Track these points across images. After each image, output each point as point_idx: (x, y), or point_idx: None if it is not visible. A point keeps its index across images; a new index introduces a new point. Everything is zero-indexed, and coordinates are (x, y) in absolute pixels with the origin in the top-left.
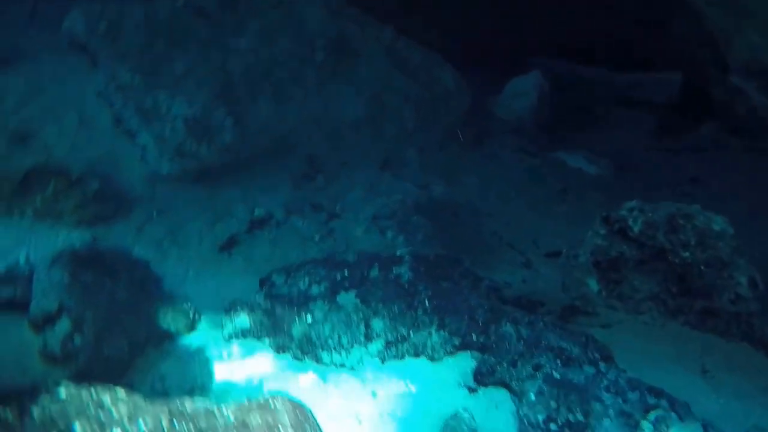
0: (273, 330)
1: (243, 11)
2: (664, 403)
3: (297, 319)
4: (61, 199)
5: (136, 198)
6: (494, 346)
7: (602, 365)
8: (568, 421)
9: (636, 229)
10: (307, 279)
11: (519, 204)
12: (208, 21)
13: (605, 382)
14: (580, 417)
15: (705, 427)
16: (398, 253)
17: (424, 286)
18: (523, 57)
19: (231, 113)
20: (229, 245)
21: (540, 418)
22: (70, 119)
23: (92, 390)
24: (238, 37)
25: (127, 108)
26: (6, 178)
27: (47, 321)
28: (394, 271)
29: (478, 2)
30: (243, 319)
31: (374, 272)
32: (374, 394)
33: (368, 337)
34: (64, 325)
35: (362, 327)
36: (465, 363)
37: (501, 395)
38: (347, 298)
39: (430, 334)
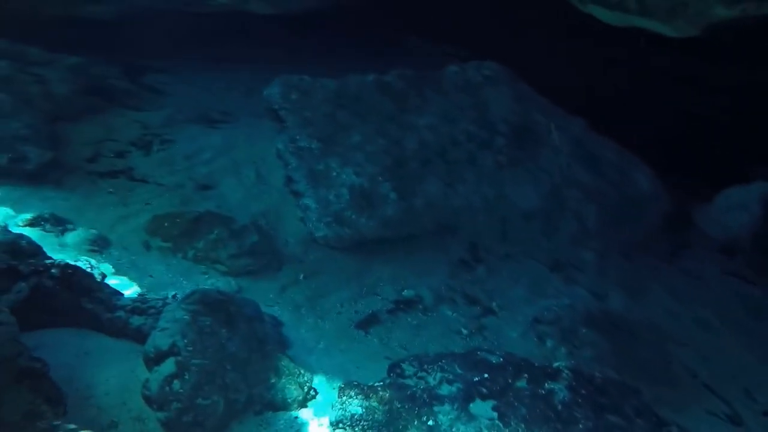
0: (386, 426)
1: (428, 91)
2: None
3: (416, 419)
4: (220, 246)
5: (289, 257)
6: None
7: None
8: None
9: None
10: (439, 375)
11: (727, 338)
12: (393, 97)
13: None
14: None
15: None
16: (555, 365)
17: (583, 414)
18: (742, 164)
19: (397, 188)
20: (367, 323)
21: None
22: (249, 174)
23: None
24: (418, 115)
25: (299, 170)
26: (181, 218)
27: (157, 359)
28: (546, 387)
29: (688, 99)
30: (356, 406)
31: (521, 383)
32: None
33: None
34: (168, 366)
35: None
36: None
37: None
38: (482, 408)
39: None
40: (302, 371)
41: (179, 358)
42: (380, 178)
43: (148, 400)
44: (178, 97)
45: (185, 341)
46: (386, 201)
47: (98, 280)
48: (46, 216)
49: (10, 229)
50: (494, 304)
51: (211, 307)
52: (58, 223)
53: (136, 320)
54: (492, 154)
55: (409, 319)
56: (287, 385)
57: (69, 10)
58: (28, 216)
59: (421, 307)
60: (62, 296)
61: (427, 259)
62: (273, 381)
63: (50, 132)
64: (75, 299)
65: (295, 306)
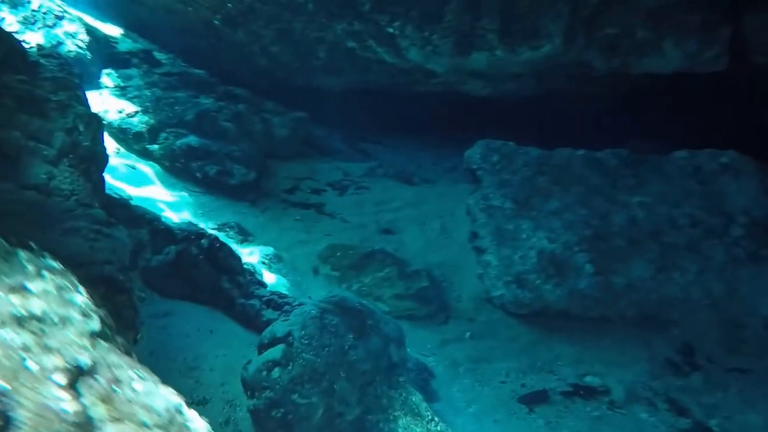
0: None
1: (645, 172)
2: None
3: None
4: (387, 285)
5: (458, 312)
6: None
7: None
8: None
9: None
10: None
11: None
12: (603, 172)
13: None
14: None
15: None
16: None
17: None
18: None
19: (595, 261)
20: (534, 400)
21: None
22: (433, 226)
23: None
24: (631, 193)
25: (486, 226)
26: (355, 250)
27: (269, 345)
28: None
29: None
30: None
31: None
32: None
33: None
34: (275, 352)
35: None
36: None
37: None
38: None
39: None
40: (437, 420)
41: (290, 347)
42: (576, 248)
43: (243, 383)
44: (383, 159)
45: (303, 332)
46: (580, 273)
47: (242, 263)
48: (232, 224)
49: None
50: (713, 422)
51: (346, 311)
52: (241, 233)
53: (269, 314)
54: (724, 245)
55: (588, 409)
56: (412, 425)
57: (309, 80)
58: (218, 221)
59: (607, 400)
60: (203, 269)
61: (621, 349)
62: (396, 414)
63: (260, 162)
64: (215, 276)
65: (453, 363)
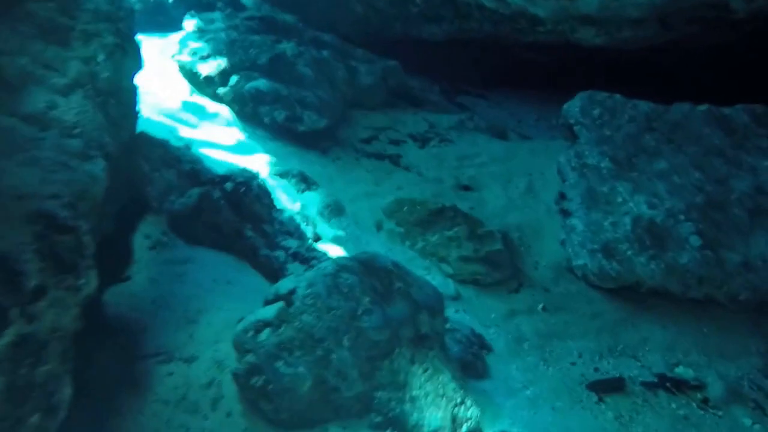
0: None
1: None
2: None
3: None
4: (454, 245)
5: (532, 281)
6: None
7: None
8: None
9: None
10: None
11: None
12: (728, 131)
13: None
14: None
15: None
16: None
17: None
18: None
19: (704, 233)
20: (607, 388)
21: None
22: (518, 184)
23: None
24: (764, 156)
25: (576, 187)
26: (423, 206)
27: (270, 303)
28: None
29: None
30: None
31: None
32: None
33: None
34: (269, 311)
35: None
36: None
37: None
38: None
39: None
40: (468, 402)
41: (288, 306)
42: (682, 217)
43: (234, 344)
44: (477, 113)
45: (308, 291)
46: (683, 246)
47: (271, 210)
48: (295, 172)
49: (258, 176)
50: None
51: (370, 270)
52: (304, 181)
53: (294, 267)
54: None
55: (673, 406)
56: (432, 408)
57: (407, 29)
58: (281, 168)
59: (700, 397)
60: (226, 215)
61: (727, 337)
62: (414, 393)
63: (338, 109)
64: (238, 223)
65: (518, 337)
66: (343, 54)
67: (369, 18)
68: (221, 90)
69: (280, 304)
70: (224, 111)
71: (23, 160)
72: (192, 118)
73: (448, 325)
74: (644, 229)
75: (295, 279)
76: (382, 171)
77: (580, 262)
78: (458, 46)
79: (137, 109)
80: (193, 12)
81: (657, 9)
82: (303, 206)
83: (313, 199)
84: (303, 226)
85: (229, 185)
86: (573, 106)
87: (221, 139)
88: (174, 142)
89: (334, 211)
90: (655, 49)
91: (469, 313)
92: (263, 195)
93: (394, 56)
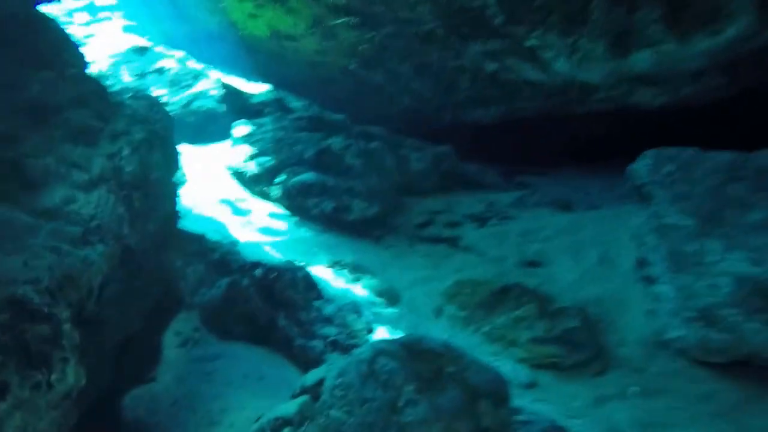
0: None
1: None
2: None
3: None
4: (524, 326)
5: (620, 360)
6: None
7: None
8: None
9: None
10: None
11: None
12: None
13: None
14: None
15: None
16: None
17: None
18: None
19: None
20: None
21: None
22: (590, 255)
23: None
24: None
25: (657, 250)
26: (486, 286)
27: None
28: None
29: None
30: None
31: None
32: None
33: None
34: (291, 407)
35: None
36: None
37: None
38: None
39: None
40: None
41: (314, 400)
42: None
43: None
44: (537, 188)
45: (338, 381)
46: None
47: (310, 298)
48: (346, 261)
49: (302, 267)
50: None
51: (415, 354)
52: (356, 270)
53: (334, 358)
54: None
55: None
56: None
57: (457, 115)
58: (331, 258)
59: None
60: (256, 303)
61: None
62: None
63: (389, 197)
64: (270, 311)
65: (611, 428)
66: (392, 144)
67: (418, 109)
68: (269, 187)
69: (305, 397)
70: (273, 208)
71: (13, 248)
72: (240, 217)
73: (522, 417)
74: (751, 290)
75: (325, 368)
76: (439, 255)
77: (675, 334)
78: (511, 125)
79: (176, 206)
80: (243, 120)
81: (717, 57)
82: (354, 295)
83: (366, 287)
84: (351, 315)
85: (258, 272)
86: (641, 166)
87: (270, 236)
88: (218, 239)
89: (388, 298)
90: (721, 101)
91: (548, 402)
92: (299, 282)
93: (448, 143)
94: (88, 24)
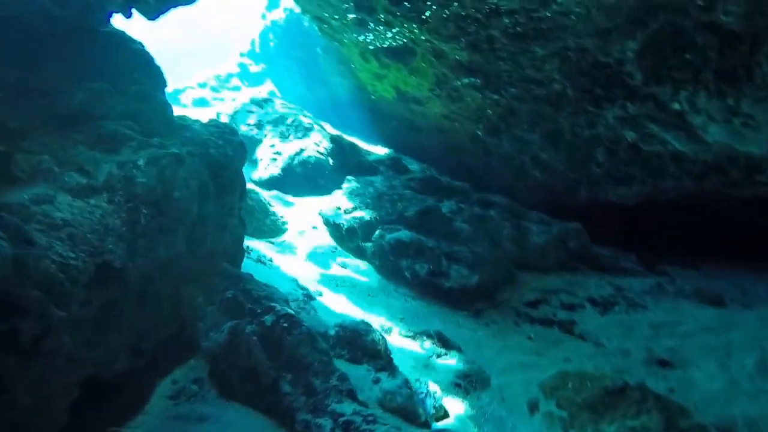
0: None
1: None
2: None
3: None
4: None
5: None
6: None
7: None
8: None
9: None
10: None
11: None
12: None
13: None
14: None
15: None
16: None
17: None
18: None
19: None
20: None
21: None
22: (744, 361)
23: None
24: None
25: None
26: (597, 382)
27: None
28: None
29: None
30: None
31: None
32: None
33: None
34: None
35: None
36: None
37: None
38: None
39: None
40: None
41: None
42: None
43: None
44: (679, 278)
45: None
46: None
47: (327, 359)
48: (432, 332)
49: (382, 332)
50: None
51: None
52: (442, 344)
53: None
54: None
55: None
56: None
57: (593, 193)
58: (415, 328)
59: None
60: (258, 357)
61: None
62: None
63: (499, 268)
64: (274, 370)
65: None
66: (513, 214)
67: (549, 183)
68: (362, 243)
69: None
70: (362, 265)
71: None
72: (326, 271)
73: None
74: None
75: None
76: (547, 339)
77: None
78: (655, 207)
79: (230, 243)
80: (353, 176)
81: None
82: (432, 372)
83: (449, 365)
84: (420, 395)
85: (269, 319)
86: None
87: (353, 294)
88: (291, 290)
89: (475, 381)
90: None
91: None
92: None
93: (581, 222)
94: (237, 89)
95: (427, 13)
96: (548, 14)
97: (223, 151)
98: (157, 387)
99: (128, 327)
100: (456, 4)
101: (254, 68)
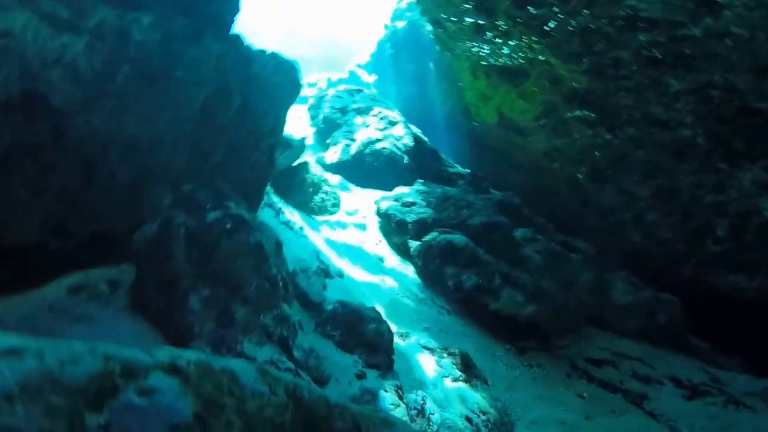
0: None
1: None
2: None
3: None
4: None
5: None
6: None
7: None
8: None
9: None
10: None
11: None
12: None
13: None
14: None
15: None
16: None
17: None
18: None
19: None
20: None
21: None
22: None
23: None
24: None
25: None
26: None
27: None
28: None
29: None
30: None
31: None
32: None
33: None
34: None
35: None
36: None
37: None
38: None
39: None
40: None
41: None
42: None
43: None
44: None
45: None
46: None
47: (271, 288)
48: (455, 351)
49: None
50: None
51: None
52: (465, 368)
53: None
54: None
55: None
56: None
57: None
58: (440, 343)
59: None
60: (177, 259)
61: None
62: None
63: (560, 307)
64: (189, 281)
65: None
66: (596, 264)
67: (649, 252)
68: (411, 241)
69: None
70: (403, 266)
71: None
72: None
73: None
74: None
75: None
76: (604, 404)
77: None
78: None
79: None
80: (426, 180)
81: None
82: (439, 394)
83: (465, 393)
84: (412, 411)
85: (212, 215)
86: None
87: (376, 288)
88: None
89: (492, 423)
90: None
91: None
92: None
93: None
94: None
95: (551, 24)
96: (697, 34)
97: (267, 73)
98: (63, 275)
99: (60, 197)
100: (586, 12)
101: (366, 78)
